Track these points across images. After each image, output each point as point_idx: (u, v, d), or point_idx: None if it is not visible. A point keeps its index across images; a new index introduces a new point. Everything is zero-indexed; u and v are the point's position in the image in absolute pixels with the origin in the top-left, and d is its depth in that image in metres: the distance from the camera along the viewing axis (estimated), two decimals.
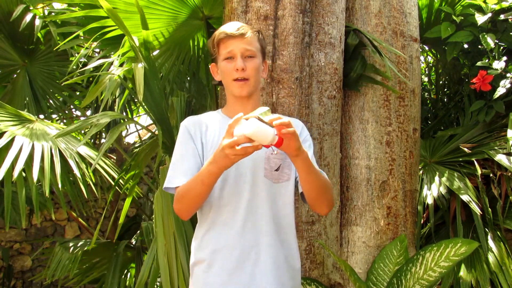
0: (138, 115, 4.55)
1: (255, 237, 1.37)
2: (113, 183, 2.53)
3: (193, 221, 1.97)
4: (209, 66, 1.53)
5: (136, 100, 3.67)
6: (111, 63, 2.54)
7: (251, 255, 1.36)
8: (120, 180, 2.54)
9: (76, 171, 2.34)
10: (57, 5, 3.29)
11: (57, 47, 2.77)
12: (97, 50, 2.89)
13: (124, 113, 3.86)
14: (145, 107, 2.35)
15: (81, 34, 2.79)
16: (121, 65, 2.48)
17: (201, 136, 1.43)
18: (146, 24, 2.24)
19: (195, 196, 1.31)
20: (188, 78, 3.32)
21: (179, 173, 1.37)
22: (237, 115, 1.17)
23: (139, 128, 4.30)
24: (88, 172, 2.54)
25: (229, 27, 1.42)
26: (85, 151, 2.59)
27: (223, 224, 1.37)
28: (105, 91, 2.13)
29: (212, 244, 1.38)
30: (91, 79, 3.31)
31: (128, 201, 2.26)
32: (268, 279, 1.35)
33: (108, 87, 2.13)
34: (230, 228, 1.36)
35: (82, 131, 3.43)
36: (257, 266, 1.35)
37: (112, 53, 2.79)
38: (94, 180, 2.60)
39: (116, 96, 3.38)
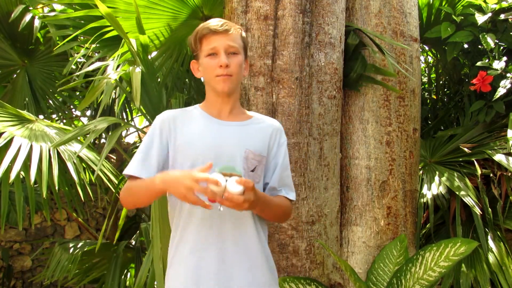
0: (138, 115, 4.55)
1: (233, 236, 1.34)
2: (110, 186, 2.53)
3: None
4: (190, 63, 1.49)
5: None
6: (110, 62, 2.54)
7: (230, 255, 1.32)
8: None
9: (73, 173, 2.33)
10: (56, 6, 3.30)
11: (55, 49, 2.78)
12: (96, 50, 2.89)
13: (124, 113, 3.85)
14: (143, 109, 2.35)
15: (80, 36, 2.80)
16: (118, 66, 2.48)
17: (172, 134, 1.40)
18: (142, 29, 2.24)
19: (138, 198, 1.38)
20: (188, 79, 3.32)
21: (137, 164, 1.38)
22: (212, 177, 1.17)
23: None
24: (86, 174, 2.54)
25: (212, 24, 1.39)
26: (84, 152, 2.59)
27: (199, 226, 1.33)
28: (103, 94, 2.13)
29: (189, 245, 1.34)
30: (90, 78, 3.31)
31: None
32: (246, 279, 1.33)
33: (105, 91, 2.13)
34: (209, 227, 1.33)
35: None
36: (235, 265, 1.32)
37: (109, 55, 2.79)
38: (94, 181, 2.60)
39: (115, 97, 3.38)
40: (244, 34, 1.46)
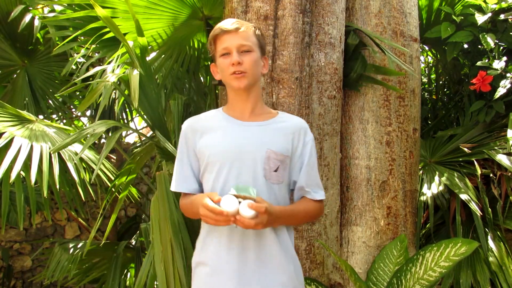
0: (138, 115, 4.55)
1: (255, 239, 1.36)
2: (110, 185, 2.53)
3: (190, 227, 1.97)
4: (210, 67, 1.52)
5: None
6: (109, 65, 2.54)
7: (251, 256, 1.35)
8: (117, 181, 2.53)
9: (74, 173, 2.34)
10: (56, 6, 3.30)
11: (55, 50, 2.78)
12: (96, 51, 2.89)
13: (124, 113, 3.85)
14: (141, 112, 2.36)
15: (80, 36, 2.80)
16: (118, 67, 2.48)
17: (197, 141, 1.44)
18: (141, 31, 2.25)
19: (192, 216, 1.47)
20: (187, 79, 3.32)
21: (177, 179, 1.47)
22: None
23: (138, 128, 4.30)
24: (87, 174, 2.54)
25: (224, 23, 1.41)
26: (84, 152, 2.59)
27: (223, 228, 1.36)
28: (101, 97, 2.14)
29: (213, 246, 1.38)
30: (90, 78, 3.31)
31: (118, 206, 2.26)
32: (269, 280, 1.35)
33: (103, 94, 2.14)
34: (230, 229, 1.36)
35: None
36: (258, 267, 1.35)
37: (108, 56, 2.79)
38: (95, 181, 2.60)
39: (116, 97, 3.38)
40: (258, 31, 1.46)
